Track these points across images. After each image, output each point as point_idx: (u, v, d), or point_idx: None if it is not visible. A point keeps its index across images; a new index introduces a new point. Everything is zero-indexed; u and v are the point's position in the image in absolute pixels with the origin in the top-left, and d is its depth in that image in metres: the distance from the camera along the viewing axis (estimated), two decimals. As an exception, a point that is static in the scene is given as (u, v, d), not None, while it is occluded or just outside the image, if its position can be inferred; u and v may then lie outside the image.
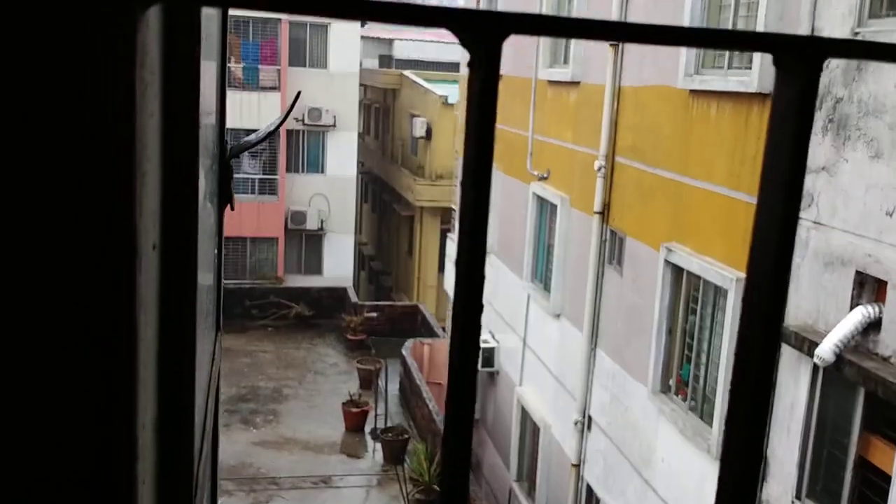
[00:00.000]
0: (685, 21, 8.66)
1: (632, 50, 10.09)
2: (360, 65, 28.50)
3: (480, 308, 0.49)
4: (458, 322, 0.49)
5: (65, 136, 0.44)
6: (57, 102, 0.43)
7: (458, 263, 0.51)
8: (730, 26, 8.22)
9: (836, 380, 6.55)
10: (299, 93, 3.64)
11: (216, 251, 1.61)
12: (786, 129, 0.54)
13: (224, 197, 1.55)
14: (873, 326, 6.15)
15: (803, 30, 6.90)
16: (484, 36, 0.48)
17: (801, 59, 0.53)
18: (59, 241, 0.45)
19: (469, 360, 0.50)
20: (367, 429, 17.86)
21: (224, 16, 1.60)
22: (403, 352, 19.42)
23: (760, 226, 0.57)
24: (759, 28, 7.46)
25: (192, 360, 0.78)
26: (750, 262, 0.59)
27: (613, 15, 10.26)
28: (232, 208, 1.65)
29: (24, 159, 0.43)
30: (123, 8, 0.45)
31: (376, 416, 17.79)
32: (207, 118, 1.37)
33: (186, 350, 0.76)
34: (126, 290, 0.48)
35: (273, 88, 25.68)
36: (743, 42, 0.61)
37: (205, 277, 1.24)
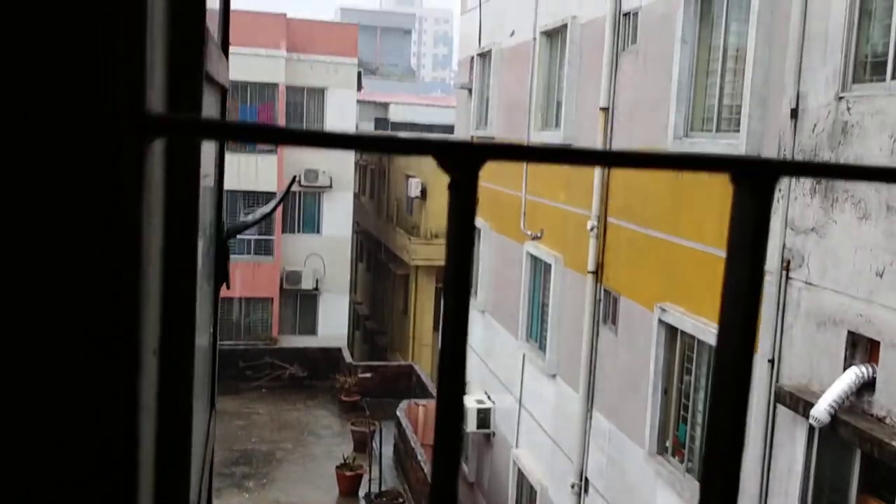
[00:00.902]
0: (673, 86, 8.85)
1: (622, 113, 10.28)
2: (357, 128, 28.88)
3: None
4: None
5: (77, 261, 0.48)
6: (72, 230, 0.48)
7: (440, 371, 0.56)
8: (717, 92, 8.39)
9: (832, 441, 6.53)
10: (295, 177, 3.74)
11: (211, 331, 1.65)
12: (744, 240, 0.58)
13: (220, 276, 1.59)
14: (867, 387, 6.16)
15: (789, 94, 7.05)
16: (462, 163, 0.53)
17: (756, 178, 0.58)
18: (65, 355, 0.49)
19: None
20: (362, 493, 17.59)
21: (223, 97, 1.67)
22: (398, 413, 19.25)
23: (721, 338, 0.60)
24: (746, 91, 7.63)
25: (186, 462, 0.80)
26: (716, 362, 0.62)
27: (604, 80, 10.47)
28: (228, 287, 1.69)
29: (43, 269, 0.47)
30: (131, 142, 0.49)
31: (370, 479, 17.55)
32: (206, 200, 1.42)
33: (181, 452, 0.79)
34: (129, 398, 0.52)
35: (270, 151, 25.93)
36: (702, 164, 0.66)
37: (200, 360, 1.28)
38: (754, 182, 0.56)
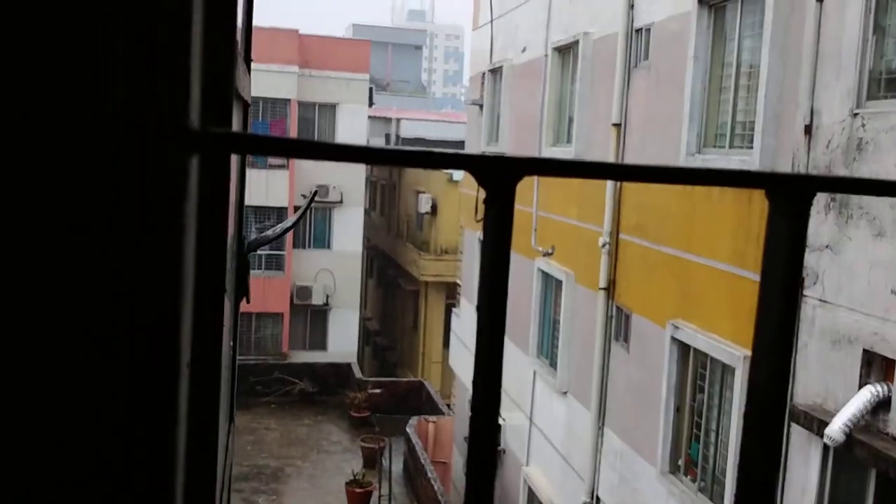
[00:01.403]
0: (686, 102, 8.84)
1: (634, 129, 10.28)
2: (367, 143, 28.94)
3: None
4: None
5: (119, 274, 0.48)
6: (116, 243, 0.48)
7: (474, 386, 0.54)
8: (729, 108, 8.38)
9: (846, 460, 6.46)
10: (316, 191, 3.75)
11: (231, 344, 1.64)
12: (779, 257, 0.57)
13: (241, 290, 1.58)
14: (882, 405, 6.10)
15: (803, 111, 7.03)
16: (499, 178, 0.52)
17: (792, 194, 0.57)
18: (105, 362, 0.49)
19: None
20: (371, 509, 17.52)
21: (245, 112, 1.67)
22: (408, 429, 19.20)
23: (757, 351, 0.59)
24: (760, 107, 7.61)
25: (212, 474, 0.80)
26: (750, 379, 0.61)
27: (616, 96, 10.48)
28: (248, 301, 1.68)
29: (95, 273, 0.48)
30: (176, 156, 0.50)
31: (380, 496, 17.48)
32: (229, 215, 1.42)
33: (208, 464, 0.78)
34: (168, 407, 0.52)
35: (281, 167, 26.05)
36: (738, 179, 0.65)
37: (223, 376, 1.27)
38: (790, 198, 0.57)
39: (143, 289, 0.49)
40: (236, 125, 1.25)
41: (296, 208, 26.63)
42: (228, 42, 0.76)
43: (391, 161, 0.48)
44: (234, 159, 1.46)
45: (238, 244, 1.55)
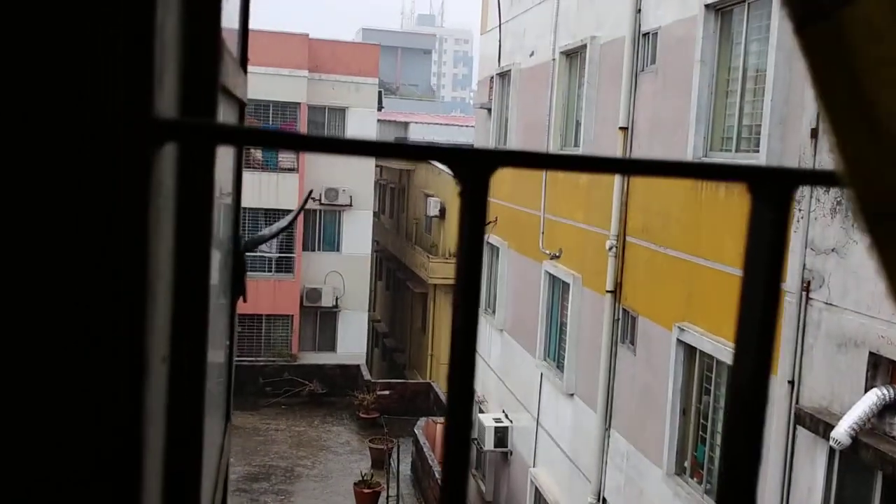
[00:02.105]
0: (692, 106, 8.85)
1: (641, 133, 10.29)
2: (376, 146, 28.98)
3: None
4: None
5: (78, 263, 0.49)
6: (74, 232, 0.48)
7: (449, 384, 0.57)
8: (736, 112, 8.38)
9: (853, 463, 6.45)
10: (311, 191, 3.79)
11: (228, 343, 1.67)
12: (761, 252, 0.58)
13: (237, 289, 1.61)
14: (889, 408, 6.09)
15: (809, 114, 7.04)
16: (473, 169, 0.54)
17: (774, 188, 0.58)
18: (68, 363, 0.49)
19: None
20: (379, 510, 17.54)
21: (241, 112, 1.70)
22: (416, 430, 19.21)
23: (739, 349, 0.60)
24: (766, 111, 7.62)
25: (197, 472, 0.81)
26: (730, 386, 0.62)
27: (623, 100, 10.49)
28: (244, 300, 1.71)
29: (42, 278, 0.48)
30: (137, 146, 0.49)
31: (388, 497, 17.50)
32: (224, 214, 1.45)
33: (192, 461, 0.80)
34: (134, 402, 0.51)
35: (291, 170, 26.13)
36: (718, 173, 0.65)
37: (213, 371, 1.30)
38: (772, 191, 0.55)
39: (103, 282, 0.49)
40: (228, 122, 1.28)
41: (305, 211, 26.70)
42: (211, 36, 0.78)
43: (360, 152, 0.50)
44: (230, 156, 1.50)
45: (235, 243, 1.57)
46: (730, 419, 0.60)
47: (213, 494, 1.27)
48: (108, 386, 0.49)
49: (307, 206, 26.55)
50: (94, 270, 0.49)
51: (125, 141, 0.47)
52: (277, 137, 0.50)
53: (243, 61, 1.58)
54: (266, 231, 2.86)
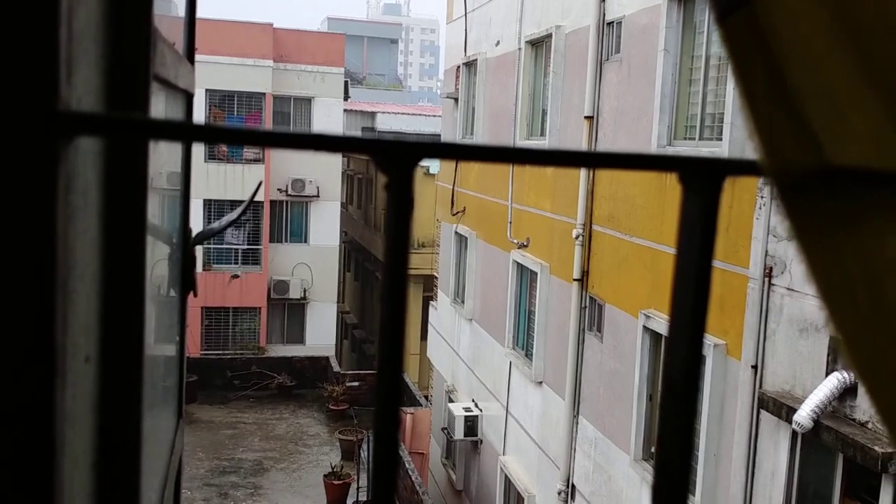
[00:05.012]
0: (656, 94, 8.90)
1: (607, 122, 10.34)
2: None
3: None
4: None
5: None
6: None
7: (378, 371, 0.56)
8: (699, 100, 8.45)
9: (815, 446, 6.57)
10: (260, 182, 3.76)
11: (178, 338, 1.65)
12: (693, 239, 0.59)
13: (187, 284, 1.59)
14: (850, 392, 6.20)
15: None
16: (396, 162, 0.54)
17: (704, 177, 0.59)
18: None
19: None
20: (350, 502, 17.53)
21: (188, 104, 1.66)
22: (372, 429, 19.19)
23: (673, 334, 0.61)
24: (729, 99, 7.69)
25: (134, 470, 0.79)
26: (665, 366, 0.63)
27: (588, 89, 10.53)
28: (195, 295, 1.69)
29: None
30: (42, 143, 0.47)
31: (358, 488, 17.50)
32: (171, 201, 1.42)
33: (130, 448, 0.78)
34: (46, 406, 0.49)
35: (256, 161, 25.91)
36: (652, 163, 0.66)
37: (160, 365, 1.27)
38: (702, 181, 0.56)
39: (8, 279, 0.47)
40: (173, 115, 1.25)
41: (272, 203, 26.52)
42: (141, 26, 0.75)
43: (284, 144, 0.49)
44: (177, 150, 1.47)
45: (184, 235, 1.55)
46: (664, 396, 0.61)
47: (162, 492, 1.25)
48: (15, 385, 0.47)
49: (274, 198, 26.37)
50: None
51: (24, 134, 0.45)
52: (181, 129, 0.49)
53: (190, 51, 1.55)
54: (216, 224, 2.83)
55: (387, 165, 0.54)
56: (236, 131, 0.46)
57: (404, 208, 0.53)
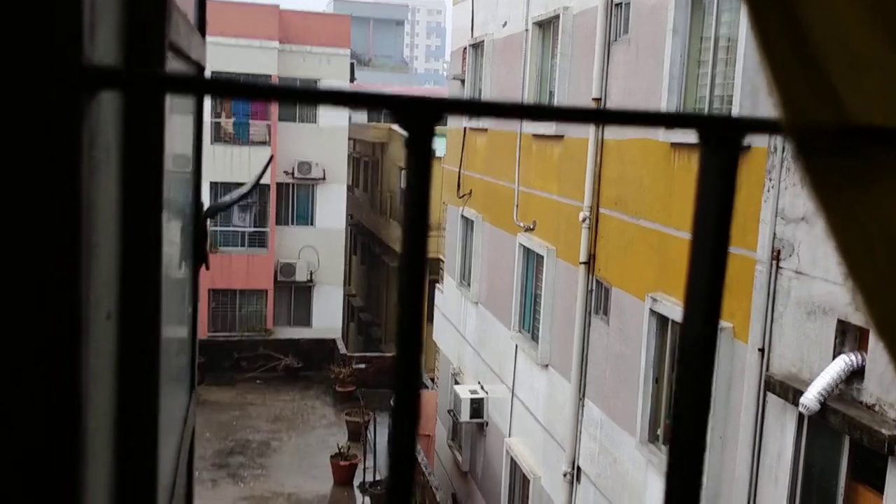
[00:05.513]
0: (664, 75, 8.85)
1: (614, 103, 10.28)
2: (350, 119, 28.83)
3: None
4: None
5: (6, 212, 0.47)
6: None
7: (398, 324, 0.56)
8: (708, 81, 8.40)
9: (821, 428, 6.57)
10: (272, 156, 3.75)
11: (191, 310, 1.65)
12: (711, 200, 0.58)
13: (199, 257, 1.59)
14: (857, 374, 6.20)
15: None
16: (417, 117, 0.53)
17: (723, 135, 0.58)
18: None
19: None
20: (356, 482, 17.64)
21: (200, 72, 1.66)
22: (392, 403, 19.28)
23: (690, 293, 0.60)
24: (738, 80, 7.64)
25: (154, 425, 0.80)
26: (682, 328, 0.62)
27: (596, 70, 10.48)
28: (207, 268, 1.69)
29: None
30: (68, 97, 0.48)
31: (365, 468, 17.60)
32: (182, 178, 1.42)
33: (149, 414, 0.79)
34: (70, 359, 0.50)
35: (263, 143, 25.90)
36: (668, 121, 0.65)
37: (174, 339, 1.28)
38: (721, 139, 0.56)
39: (33, 227, 0.47)
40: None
41: (278, 185, 26.53)
42: None
43: (301, 100, 0.49)
44: (189, 123, 1.47)
45: (195, 209, 1.55)
46: (680, 382, 0.60)
47: (176, 461, 1.25)
48: (41, 332, 0.47)
49: (281, 181, 26.37)
50: (22, 214, 0.47)
51: (52, 88, 0.45)
52: (201, 84, 0.48)
53: (201, 26, 1.55)
54: (227, 197, 2.85)
55: (407, 122, 0.53)
56: (253, 86, 0.46)
57: (424, 163, 0.53)
